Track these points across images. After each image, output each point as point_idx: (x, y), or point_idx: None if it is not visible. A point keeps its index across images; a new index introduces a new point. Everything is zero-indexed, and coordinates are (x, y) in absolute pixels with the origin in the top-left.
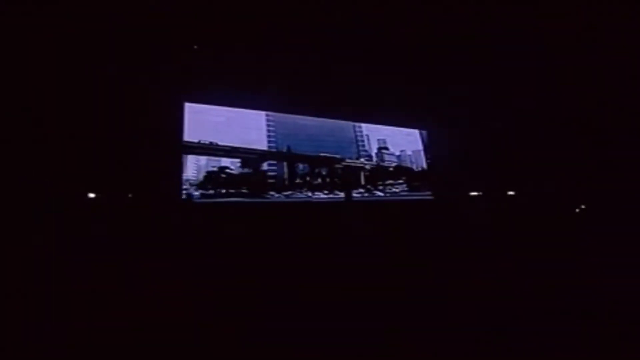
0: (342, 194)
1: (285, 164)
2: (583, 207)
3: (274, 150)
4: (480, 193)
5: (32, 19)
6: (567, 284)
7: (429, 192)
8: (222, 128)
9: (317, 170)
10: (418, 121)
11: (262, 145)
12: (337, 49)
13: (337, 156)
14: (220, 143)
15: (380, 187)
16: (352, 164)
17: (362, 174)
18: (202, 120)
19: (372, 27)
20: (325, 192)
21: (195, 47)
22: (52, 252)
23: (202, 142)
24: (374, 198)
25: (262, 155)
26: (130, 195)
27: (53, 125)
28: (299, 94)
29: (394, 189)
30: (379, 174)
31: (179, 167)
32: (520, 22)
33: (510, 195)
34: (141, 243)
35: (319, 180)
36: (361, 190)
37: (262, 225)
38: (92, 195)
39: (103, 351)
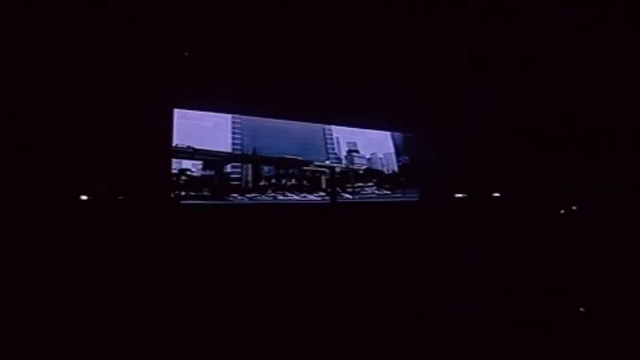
0: (312, 197)
1: (250, 166)
2: (573, 208)
3: (238, 152)
4: (465, 195)
5: (26, 23)
6: (554, 284)
7: (400, 194)
8: (203, 133)
9: (282, 172)
10: (393, 124)
11: (227, 147)
12: (313, 51)
13: (300, 158)
14: (197, 147)
15: (349, 190)
16: (336, 167)
17: (323, 177)
18: (184, 125)
19: (347, 32)
20: (293, 193)
21: (186, 53)
22: (46, 253)
23: (179, 145)
24: (359, 200)
25: (226, 158)
26: (121, 197)
27: (47, 130)
28: (276, 97)
29: (362, 191)
30: (348, 176)
31: (169, 170)
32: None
33: (495, 196)
34: (133, 242)
35: (286, 182)
36: (322, 193)
37: (249, 227)
38: (84, 197)
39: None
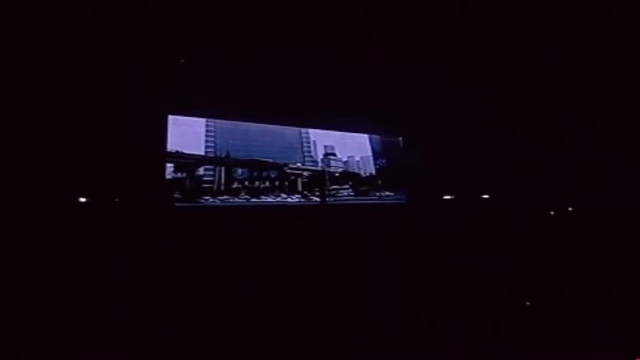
0: (289, 199)
1: (222, 168)
2: (569, 209)
3: (211, 155)
4: (454, 197)
5: (21, 26)
6: (541, 285)
7: (376, 196)
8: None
9: (256, 175)
10: (377, 127)
11: (200, 150)
12: (297, 54)
13: (270, 160)
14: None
15: (325, 192)
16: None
17: (299, 179)
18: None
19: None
20: (268, 195)
21: (182, 60)
22: (42, 255)
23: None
24: (346, 202)
25: (199, 161)
26: (116, 200)
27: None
28: (267, 103)
29: (338, 194)
30: (323, 179)
31: (163, 174)
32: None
33: (485, 198)
34: (129, 244)
35: (259, 184)
36: (298, 195)
37: (242, 228)
38: (82, 199)
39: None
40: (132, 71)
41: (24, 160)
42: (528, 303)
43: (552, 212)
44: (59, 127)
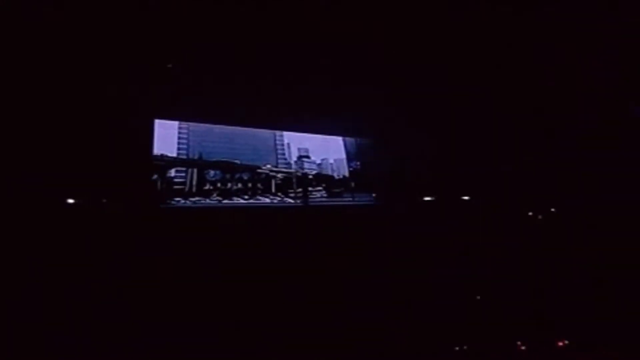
0: (264, 199)
1: (195, 170)
2: (553, 210)
3: (184, 157)
4: (433, 198)
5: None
6: (523, 286)
7: (350, 199)
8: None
9: (229, 176)
10: (348, 128)
11: (172, 152)
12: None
13: (238, 162)
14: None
15: (292, 194)
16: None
17: (273, 181)
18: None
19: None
20: (240, 197)
21: (169, 65)
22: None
23: None
24: (330, 203)
25: (170, 162)
26: (104, 201)
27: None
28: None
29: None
30: (301, 181)
31: (149, 176)
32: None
33: (465, 200)
34: (117, 242)
35: (232, 186)
36: (272, 197)
37: (228, 228)
38: (70, 200)
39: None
40: (119, 75)
41: (17, 162)
42: (478, 297)
43: (530, 214)
44: (50, 129)
